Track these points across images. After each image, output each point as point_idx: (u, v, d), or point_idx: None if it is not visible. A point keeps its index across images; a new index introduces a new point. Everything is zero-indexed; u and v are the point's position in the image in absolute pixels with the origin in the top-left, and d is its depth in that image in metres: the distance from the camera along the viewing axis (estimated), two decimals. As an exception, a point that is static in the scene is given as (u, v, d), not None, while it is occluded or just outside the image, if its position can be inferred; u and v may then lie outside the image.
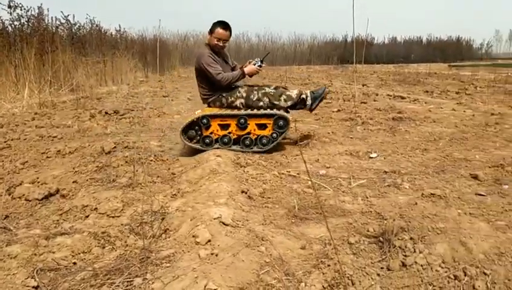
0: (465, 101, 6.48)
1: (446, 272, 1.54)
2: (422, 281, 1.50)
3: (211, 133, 3.48)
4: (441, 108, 5.92)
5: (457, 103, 6.21)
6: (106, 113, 5.60)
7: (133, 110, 6.17)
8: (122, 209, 2.18)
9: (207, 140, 3.47)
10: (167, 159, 3.34)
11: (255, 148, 3.48)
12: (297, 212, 2.16)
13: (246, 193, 2.43)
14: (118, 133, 4.40)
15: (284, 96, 3.62)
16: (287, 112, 3.70)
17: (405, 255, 1.64)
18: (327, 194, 2.45)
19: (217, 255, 1.63)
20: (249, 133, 3.49)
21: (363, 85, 10.34)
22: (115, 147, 3.48)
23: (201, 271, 1.48)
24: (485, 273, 1.49)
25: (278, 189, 2.57)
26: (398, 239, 1.73)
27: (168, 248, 1.74)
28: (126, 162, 3.09)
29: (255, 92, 3.61)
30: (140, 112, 6.03)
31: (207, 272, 1.48)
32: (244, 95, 3.60)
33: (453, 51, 30.49)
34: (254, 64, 3.66)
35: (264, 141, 3.48)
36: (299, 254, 1.74)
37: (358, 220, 2.02)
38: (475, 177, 2.63)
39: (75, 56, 9.66)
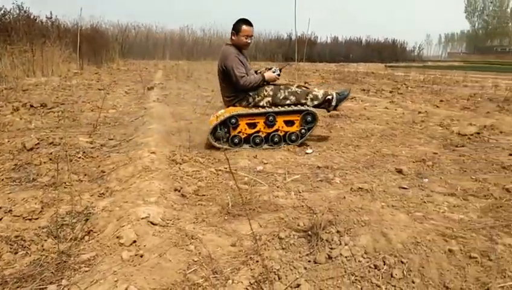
0: (397, 100, 6.87)
1: (368, 262, 1.61)
2: (345, 272, 1.56)
3: (239, 132, 3.51)
4: (375, 106, 6.22)
5: (390, 102, 6.57)
6: (31, 106, 5.17)
7: (63, 103, 5.77)
8: (41, 211, 2.02)
9: (236, 139, 3.50)
10: (97, 156, 3.16)
11: (284, 145, 3.54)
12: (230, 209, 2.15)
13: (179, 190, 2.37)
14: (43, 128, 4.08)
15: (310, 96, 3.62)
16: None
17: (331, 248, 1.69)
18: (262, 190, 2.46)
19: (142, 257, 1.56)
20: (277, 130, 3.53)
21: (305, 82, 10.59)
22: (38, 143, 3.23)
23: (122, 274, 1.41)
24: (402, 262, 1.58)
25: (214, 186, 2.53)
26: (326, 232, 1.78)
27: (89, 251, 1.64)
28: (50, 159, 2.88)
29: (282, 91, 3.56)
30: (71, 105, 5.66)
31: (128, 275, 1.41)
32: (271, 93, 3.55)
33: (389, 53, 32.37)
34: (273, 72, 3.61)
35: (293, 137, 3.56)
36: (229, 251, 1.73)
37: (289, 215, 2.05)
38: (400, 171, 2.79)
39: (-1, 44, 8.84)
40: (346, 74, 14.48)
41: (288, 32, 30.86)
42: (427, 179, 2.62)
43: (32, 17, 11.68)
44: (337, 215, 1.94)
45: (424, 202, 2.21)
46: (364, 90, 8.81)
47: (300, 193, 2.40)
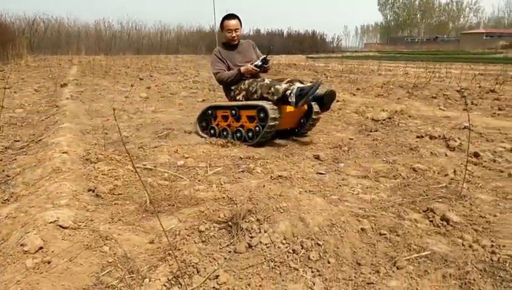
0: (317, 90, 7.19)
1: (286, 247, 1.67)
2: (265, 259, 1.60)
3: (217, 124, 3.62)
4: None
5: (310, 91, 6.86)
6: None
7: (-40, 104, 5.14)
8: None
9: (212, 130, 3.65)
10: (1, 160, 2.88)
11: (247, 142, 3.39)
12: (148, 206, 2.09)
13: (93, 191, 2.25)
14: None
15: (272, 90, 3.27)
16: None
17: (251, 237, 1.72)
18: (183, 185, 2.43)
19: (49, 263, 1.46)
20: (242, 126, 3.44)
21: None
22: None
23: (26, 283, 1.31)
24: (318, 244, 1.66)
25: (131, 184, 2.44)
26: (246, 222, 1.80)
27: (-12, 263, 1.49)
28: None
29: (255, 84, 3.42)
30: (-29, 106, 5.06)
31: (34, 284, 1.31)
32: (246, 87, 3.48)
33: (309, 44, 33.67)
34: (254, 64, 3.52)
35: (250, 134, 3.37)
36: (146, 249, 1.68)
37: (210, 207, 2.05)
38: (317, 157, 2.94)
39: None
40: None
41: (210, 25, 30.65)
42: (342, 164, 2.79)
43: None
44: (257, 204, 1.99)
45: (340, 186, 2.35)
46: (287, 81, 9.07)
47: (221, 184, 2.41)
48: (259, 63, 3.51)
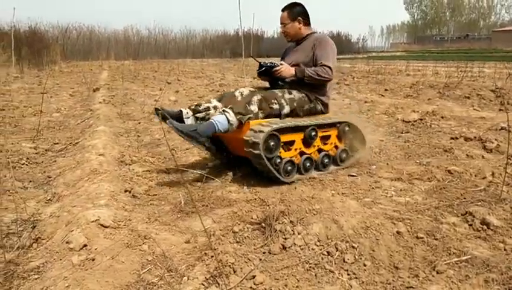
0: (344, 91, 7.13)
1: (321, 249, 1.67)
2: (299, 260, 1.61)
3: None
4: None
5: (337, 92, 6.80)
6: (-33, 113, 4.82)
7: (3, 109, 5.41)
8: (-18, 222, 1.90)
9: None
10: (42, 162, 3.02)
11: None
12: (183, 206, 2.14)
13: (130, 191, 2.32)
14: (-19, 136, 3.82)
15: None
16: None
17: (285, 238, 1.74)
18: (214, 186, 2.47)
19: (93, 260, 1.52)
20: None
21: (253, 78, 10.67)
22: (-25, 151, 3.02)
23: (73, 279, 1.37)
24: (353, 247, 1.66)
25: (165, 185, 2.51)
26: (279, 223, 1.82)
27: (38, 258, 1.58)
28: (-10, 167, 2.71)
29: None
30: (12, 111, 5.32)
31: (80, 279, 1.37)
32: None
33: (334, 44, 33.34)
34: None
35: None
36: (183, 248, 1.73)
37: (243, 208, 2.08)
38: (348, 159, 2.91)
39: None
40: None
41: (235, 28, 30.88)
42: (374, 166, 2.76)
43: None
44: (289, 206, 2.00)
45: (373, 188, 2.33)
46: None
47: (253, 186, 2.44)
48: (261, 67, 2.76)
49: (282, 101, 2.57)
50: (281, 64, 2.67)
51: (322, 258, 1.62)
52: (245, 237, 1.80)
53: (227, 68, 15.00)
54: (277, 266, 1.59)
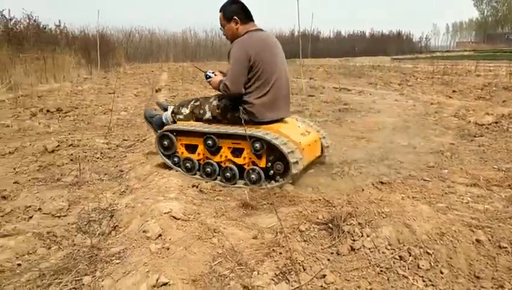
0: (407, 92, 6.84)
1: (392, 253, 1.62)
2: (370, 263, 1.57)
3: None
4: (385, 99, 6.21)
5: (400, 94, 6.55)
6: (48, 111, 5.28)
7: (77, 107, 5.87)
8: (68, 209, 2.08)
9: None
10: (114, 156, 3.22)
11: None
12: (248, 203, 2.17)
13: (197, 186, 2.40)
14: (61, 132, 4.17)
15: None
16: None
17: (353, 240, 1.71)
18: (278, 184, 2.48)
19: (168, 249, 1.60)
20: None
21: (310, 78, 10.59)
22: (58, 145, 3.30)
23: (152, 265, 1.45)
24: (428, 253, 1.58)
25: (230, 182, 2.56)
26: (347, 224, 1.79)
27: (118, 245, 1.69)
28: (71, 160, 2.95)
29: None
30: (85, 109, 5.75)
31: (158, 266, 1.45)
32: None
33: (394, 45, 32.08)
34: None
35: None
36: (251, 243, 1.75)
37: (308, 208, 2.07)
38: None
39: (12, 53, 9.01)
40: (352, 68, 14.45)
41: (290, 29, 30.78)
42: (446, 170, 2.62)
43: (41, 26, 11.87)
44: (357, 208, 1.96)
45: (446, 193, 2.21)
46: (371, 83, 8.79)
47: (316, 186, 2.42)
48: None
49: (206, 107, 2.65)
50: (215, 74, 2.65)
51: (394, 263, 1.57)
52: (312, 237, 1.79)
53: (283, 69, 15.00)
54: (346, 267, 1.56)
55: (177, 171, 2.65)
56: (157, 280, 1.35)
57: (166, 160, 2.69)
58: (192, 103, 2.75)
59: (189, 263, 1.53)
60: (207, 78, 2.70)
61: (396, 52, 29.41)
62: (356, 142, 3.52)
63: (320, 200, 2.20)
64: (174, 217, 1.88)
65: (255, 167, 2.42)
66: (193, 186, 2.44)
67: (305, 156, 2.42)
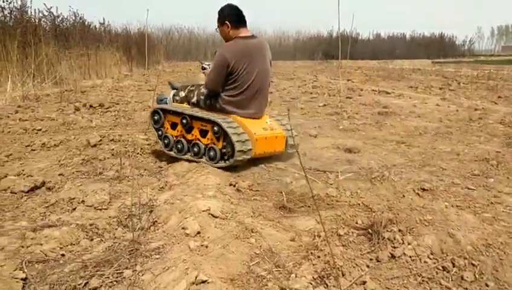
0: (449, 97, 6.59)
1: (435, 263, 1.56)
2: (411, 272, 1.52)
3: None
4: (426, 103, 6.01)
5: (441, 98, 6.31)
6: (91, 106, 5.50)
7: (118, 103, 6.07)
8: (109, 202, 2.15)
9: None
10: (153, 153, 3.30)
11: None
12: (285, 204, 2.16)
13: (234, 185, 2.42)
14: (103, 126, 4.33)
15: None
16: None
17: (394, 247, 1.66)
18: (315, 187, 2.46)
19: (207, 247, 1.61)
20: None
21: (347, 80, 10.42)
22: (100, 140, 3.42)
23: (191, 262, 1.47)
24: (473, 264, 1.52)
25: (266, 182, 2.56)
26: (387, 231, 1.75)
27: (157, 240, 1.72)
28: (112, 155, 3.05)
29: None
30: (126, 105, 5.94)
31: (197, 264, 1.47)
32: None
33: (436, 48, 30.90)
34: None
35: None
36: (288, 245, 1.74)
37: (346, 212, 2.04)
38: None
39: (58, 49, 9.45)
40: (391, 70, 14.08)
41: (328, 30, 30.43)
42: (492, 179, 2.50)
43: (86, 23, 12.37)
44: (398, 214, 1.91)
45: (492, 203, 2.11)
46: (412, 87, 8.54)
47: (355, 190, 2.37)
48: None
49: (195, 93, 3.12)
50: (210, 67, 3.08)
51: (437, 273, 1.51)
52: (350, 241, 1.76)
53: (319, 70, 14.88)
54: (386, 274, 1.52)
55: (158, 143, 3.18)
56: (196, 277, 1.37)
57: (156, 132, 3.23)
58: (188, 87, 3.23)
59: (227, 262, 1.54)
60: (203, 69, 3.23)
61: (437, 56, 28.37)
62: (396, 146, 3.42)
63: (359, 204, 2.16)
64: (212, 215, 1.90)
65: (214, 146, 2.79)
66: (230, 185, 2.46)
67: (259, 147, 2.78)
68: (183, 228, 1.76)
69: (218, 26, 2.90)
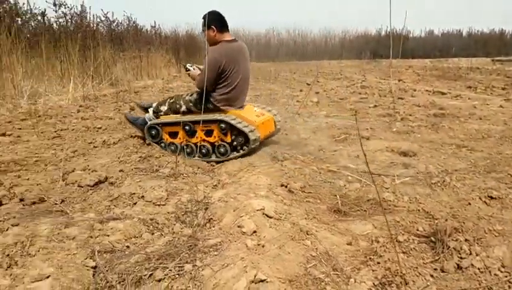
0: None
1: (506, 276, 1.46)
2: (480, 284, 1.44)
3: None
4: (487, 104, 5.64)
5: (505, 99, 5.90)
6: (145, 106, 5.72)
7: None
8: (166, 198, 2.22)
9: None
10: (206, 151, 3.36)
11: None
12: (340, 208, 2.12)
13: (286, 186, 2.40)
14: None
15: None
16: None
17: (460, 257, 1.57)
18: (370, 191, 2.38)
19: (263, 246, 1.62)
20: None
21: (398, 80, 10.04)
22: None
23: (249, 261, 1.48)
24: (548, 280, 1.40)
25: (319, 184, 2.52)
26: (452, 240, 1.66)
27: (214, 237, 1.75)
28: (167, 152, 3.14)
29: None
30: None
31: (255, 262, 1.47)
32: None
33: (496, 45, 28.83)
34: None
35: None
36: (345, 249, 1.70)
37: (405, 218, 1.96)
38: (530, 177, 2.48)
39: (113, 52, 9.94)
40: (446, 69, 13.38)
41: (377, 28, 29.51)
42: None
43: (138, 27, 12.90)
44: (463, 223, 1.80)
45: None
46: (470, 87, 8.05)
47: (414, 196, 2.27)
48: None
49: (181, 102, 3.29)
50: (194, 68, 3.34)
51: (509, 287, 1.42)
52: (411, 249, 1.68)
53: (367, 70, 14.48)
54: (453, 286, 1.44)
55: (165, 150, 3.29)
56: (255, 276, 1.37)
57: (157, 145, 3.35)
58: (168, 100, 3.40)
59: (284, 263, 1.53)
60: (186, 70, 3.39)
61: (498, 53, 26.54)
62: (456, 150, 3.23)
63: (419, 211, 2.07)
64: (266, 215, 1.90)
65: (223, 143, 3.06)
66: (282, 185, 2.44)
67: (261, 132, 3.11)
68: (239, 226, 1.78)
69: (203, 30, 3.15)
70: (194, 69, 3.36)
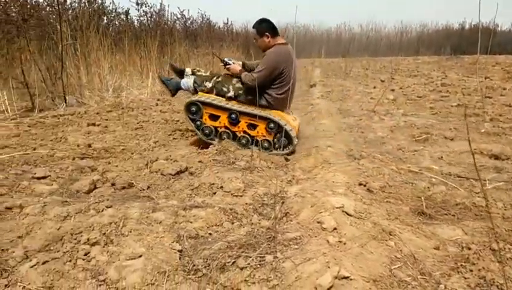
0: None
1: None
2: None
3: None
4: None
5: None
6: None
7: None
8: (244, 190, 2.27)
9: None
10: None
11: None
12: (425, 210, 2.00)
13: (365, 185, 2.33)
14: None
15: None
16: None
17: None
18: (458, 194, 2.22)
19: (345, 244, 1.59)
20: None
21: (485, 78, 9.21)
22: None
23: (332, 257, 1.46)
24: None
25: (399, 185, 2.41)
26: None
27: (293, 231, 1.75)
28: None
29: None
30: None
31: (338, 259, 1.45)
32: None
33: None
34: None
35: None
36: (432, 253, 1.61)
37: (500, 225, 1.80)
38: None
39: (188, 48, 10.39)
40: (543, 67, 11.99)
41: (459, 21, 27.32)
42: None
43: (212, 23, 13.35)
44: None
45: None
46: None
47: (509, 202, 2.08)
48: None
49: (230, 87, 3.29)
50: (233, 63, 3.42)
51: None
52: (508, 258, 1.54)
53: (447, 66, 13.50)
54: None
55: (196, 134, 3.38)
56: (338, 272, 1.35)
57: (190, 122, 3.36)
58: (214, 78, 3.38)
59: (367, 262, 1.49)
60: (226, 64, 3.44)
61: None
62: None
63: (514, 218, 1.89)
64: (346, 212, 1.86)
65: (267, 138, 3.19)
66: (360, 184, 2.38)
67: (297, 135, 3.28)
68: (318, 222, 1.76)
69: (256, 39, 3.29)
70: (233, 63, 3.43)
